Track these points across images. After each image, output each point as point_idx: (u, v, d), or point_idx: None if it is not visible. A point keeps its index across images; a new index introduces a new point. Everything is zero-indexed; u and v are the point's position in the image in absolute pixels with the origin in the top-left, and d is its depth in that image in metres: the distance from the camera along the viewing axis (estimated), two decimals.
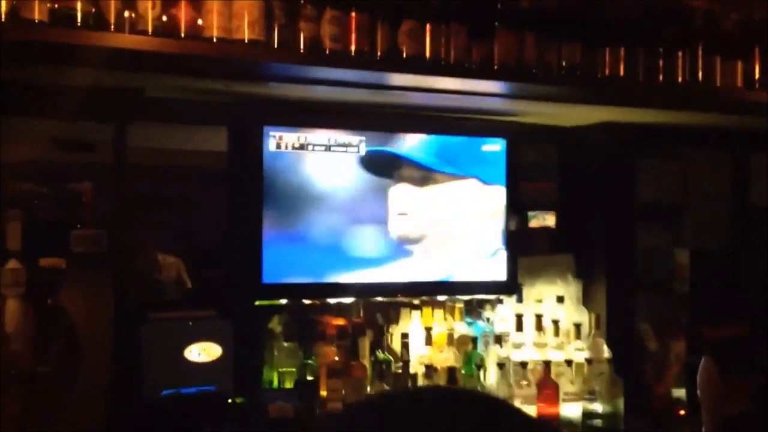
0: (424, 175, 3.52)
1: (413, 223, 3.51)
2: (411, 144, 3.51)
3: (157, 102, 3.10)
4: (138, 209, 3.15)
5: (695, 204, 4.01)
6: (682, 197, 4.01)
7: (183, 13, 2.61)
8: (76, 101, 2.87)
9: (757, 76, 3.35)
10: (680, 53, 3.23)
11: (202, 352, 3.19)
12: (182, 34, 2.60)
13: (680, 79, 3.23)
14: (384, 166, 3.45)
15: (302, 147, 3.33)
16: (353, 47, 2.79)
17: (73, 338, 3.02)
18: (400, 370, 3.43)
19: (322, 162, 3.36)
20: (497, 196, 3.64)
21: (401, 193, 3.49)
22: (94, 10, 2.50)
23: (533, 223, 3.86)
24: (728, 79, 3.31)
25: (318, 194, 3.35)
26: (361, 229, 3.42)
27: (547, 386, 3.56)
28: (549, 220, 3.90)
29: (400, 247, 3.49)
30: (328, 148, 3.37)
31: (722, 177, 4.09)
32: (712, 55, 3.28)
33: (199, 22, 2.64)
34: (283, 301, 3.43)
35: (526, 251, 3.75)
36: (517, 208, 3.70)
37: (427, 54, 2.87)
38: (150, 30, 2.56)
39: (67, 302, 2.99)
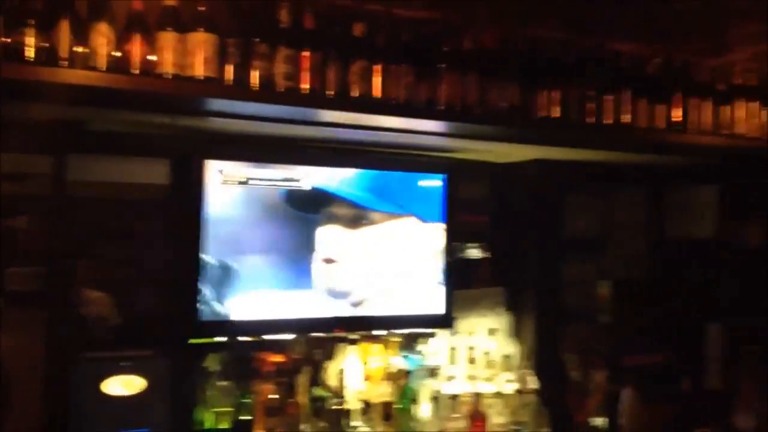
0: (357, 214, 3.54)
1: (343, 274, 3.52)
2: (343, 179, 3.52)
3: (98, 135, 3.04)
4: (75, 243, 3.07)
5: (616, 237, 4.17)
6: (604, 231, 4.17)
7: (136, 50, 2.57)
8: (16, 134, 2.77)
9: (678, 118, 3.52)
10: (609, 96, 3.36)
11: (122, 384, 3.10)
12: (136, 71, 2.56)
13: (609, 121, 3.37)
14: (312, 205, 3.45)
15: (246, 182, 3.31)
16: (305, 86, 2.80)
17: (3, 381, 2.90)
18: (336, 406, 3.42)
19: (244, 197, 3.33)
20: (437, 233, 3.71)
21: (330, 237, 3.49)
22: (47, 45, 2.44)
23: (467, 257, 3.93)
24: (652, 120, 3.47)
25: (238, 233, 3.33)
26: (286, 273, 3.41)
27: (477, 418, 3.62)
28: (481, 254, 3.98)
29: (329, 298, 3.50)
30: (272, 182, 3.36)
31: (640, 211, 4.27)
32: (637, 97, 3.43)
33: (153, 58, 2.60)
34: (220, 339, 3.38)
35: (460, 284, 3.81)
36: (453, 242, 3.76)
37: (377, 93, 2.91)
38: (103, 66, 2.51)
39: (3, 342, 2.87)
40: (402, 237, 3.64)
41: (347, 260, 3.53)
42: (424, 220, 3.68)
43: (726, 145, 3.64)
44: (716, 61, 3.65)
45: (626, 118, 3.41)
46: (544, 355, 3.86)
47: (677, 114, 3.53)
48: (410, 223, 3.66)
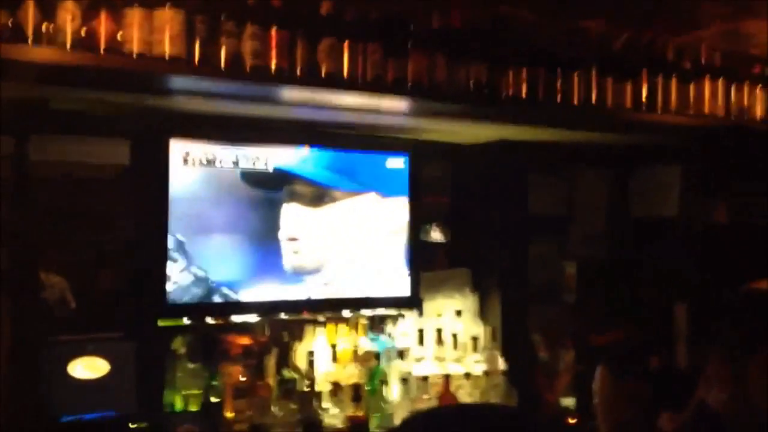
0: (319, 192, 3.53)
1: (308, 252, 3.52)
2: (306, 158, 3.51)
3: (61, 114, 2.99)
4: (37, 224, 3.02)
5: (581, 217, 4.20)
6: (568, 211, 4.19)
7: (103, 27, 2.53)
8: None
9: (644, 97, 3.54)
10: (576, 74, 3.37)
11: (87, 367, 3.07)
12: (102, 49, 2.52)
13: (576, 100, 3.38)
14: (275, 184, 3.44)
15: (210, 162, 3.29)
16: (273, 63, 2.77)
17: None
18: (306, 388, 3.42)
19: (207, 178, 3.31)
20: (400, 208, 3.70)
21: (294, 216, 3.48)
22: (11, 22, 2.39)
23: (431, 238, 3.94)
24: (618, 99, 3.49)
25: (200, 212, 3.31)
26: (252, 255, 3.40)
27: (447, 399, 3.62)
28: (445, 234, 3.98)
29: (296, 277, 3.50)
30: (236, 163, 3.33)
31: (604, 191, 4.30)
32: (604, 76, 3.44)
33: (119, 36, 2.56)
34: (187, 321, 3.35)
35: (425, 266, 3.81)
36: (417, 223, 3.76)
37: (345, 71, 2.89)
38: (69, 44, 2.46)
39: None
40: (364, 214, 3.64)
41: (311, 239, 3.53)
42: (384, 195, 3.68)
43: (692, 123, 3.67)
44: (682, 39, 3.68)
45: (593, 96, 3.43)
46: (511, 335, 3.88)
47: (643, 93, 3.55)
48: (371, 199, 3.65)
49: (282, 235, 3.46)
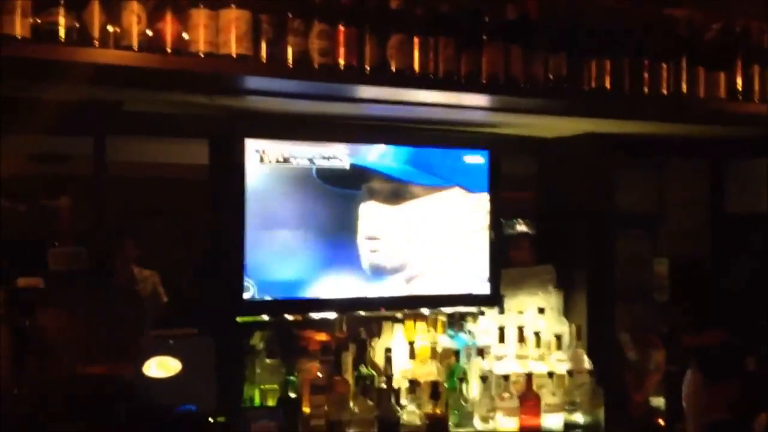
0: (398, 189, 3.47)
1: (388, 251, 3.47)
2: (383, 154, 3.44)
3: (136, 115, 3.03)
4: (117, 223, 3.08)
5: (673, 213, 4.03)
6: (659, 206, 4.03)
7: (169, 28, 2.54)
8: (54, 115, 2.78)
9: (739, 86, 3.36)
10: (665, 65, 3.22)
11: (169, 364, 3.11)
12: (168, 49, 2.53)
13: (665, 91, 3.22)
14: (353, 181, 3.39)
15: (286, 160, 3.28)
16: (342, 61, 2.73)
17: (48, 360, 2.93)
18: (383, 385, 3.39)
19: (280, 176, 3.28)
20: (483, 206, 3.62)
21: (373, 214, 3.43)
22: (77, 25, 2.42)
23: (515, 234, 3.85)
24: (711, 89, 3.32)
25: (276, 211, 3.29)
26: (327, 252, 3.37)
27: (529, 398, 3.54)
28: (530, 230, 3.89)
29: (375, 276, 3.45)
30: (311, 160, 3.32)
31: (699, 185, 4.11)
32: (695, 66, 3.28)
33: (185, 36, 2.57)
34: (265, 317, 3.37)
35: (507, 263, 3.73)
36: (499, 219, 3.67)
37: (416, 67, 2.83)
38: (135, 45, 2.48)
39: (45, 322, 2.90)
40: (447, 210, 3.56)
41: (390, 237, 3.48)
42: (470, 190, 3.60)
43: None
44: None
45: (684, 87, 3.27)
46: (597, 334, 3.75)
47: (738, 82, 3.36)
48: (455, 194, 3.58)
49: (361, 234, 3.43)
